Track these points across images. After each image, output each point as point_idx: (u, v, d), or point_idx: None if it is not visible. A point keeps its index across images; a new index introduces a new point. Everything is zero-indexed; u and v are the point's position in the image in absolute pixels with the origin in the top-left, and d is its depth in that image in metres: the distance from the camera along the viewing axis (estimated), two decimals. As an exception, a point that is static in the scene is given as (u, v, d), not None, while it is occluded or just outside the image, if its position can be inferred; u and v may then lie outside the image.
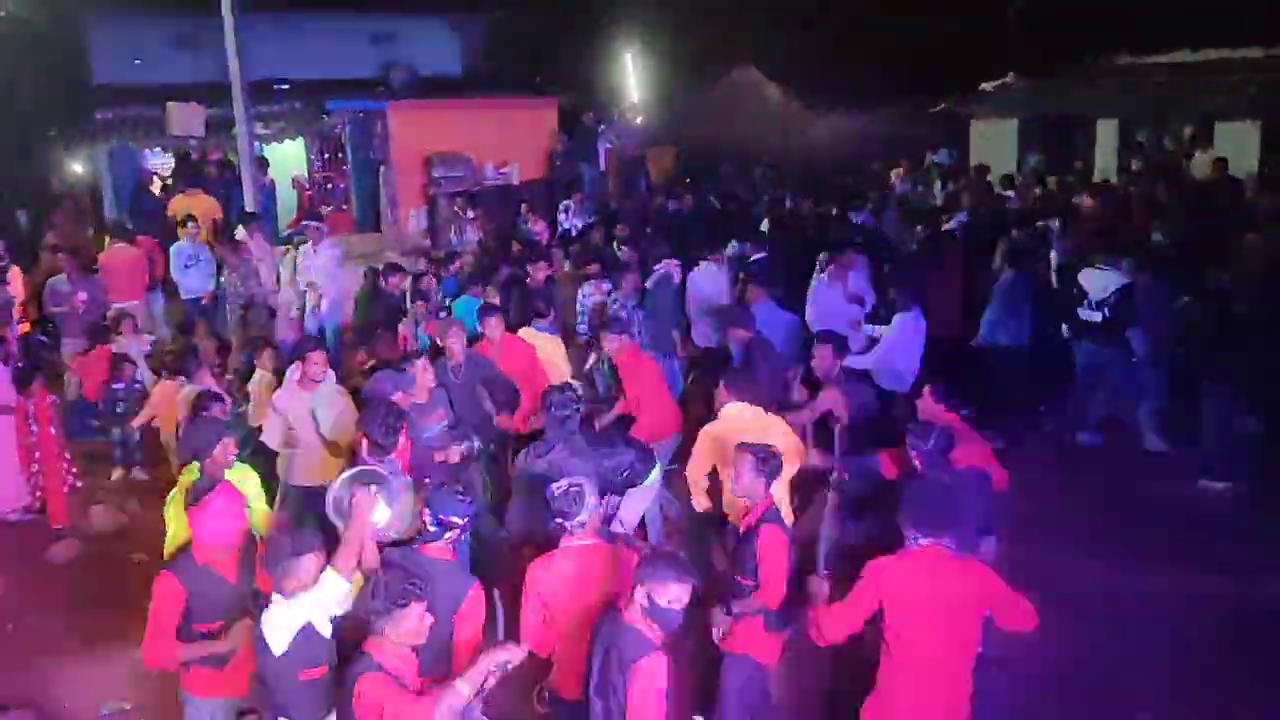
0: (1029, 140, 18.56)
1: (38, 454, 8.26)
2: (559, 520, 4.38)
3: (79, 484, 8.65)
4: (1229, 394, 8.03)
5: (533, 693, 5.25)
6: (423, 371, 6.45)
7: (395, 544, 4.79)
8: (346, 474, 4.78)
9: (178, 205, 13.50)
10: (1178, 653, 5.84)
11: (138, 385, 9.17)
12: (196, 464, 5.21)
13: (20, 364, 8.74)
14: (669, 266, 9.77)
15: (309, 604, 4.01)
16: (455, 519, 4.39)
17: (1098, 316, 8.72)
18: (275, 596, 4.03)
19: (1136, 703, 5.50)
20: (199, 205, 13.32)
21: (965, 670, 4.16)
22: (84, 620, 6.76)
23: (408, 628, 3.74)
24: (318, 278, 11.12)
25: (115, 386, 9.14)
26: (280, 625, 3.96)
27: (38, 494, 8.34)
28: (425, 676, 3.87)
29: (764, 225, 12.90)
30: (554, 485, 4.43)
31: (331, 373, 6.85)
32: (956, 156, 19.68)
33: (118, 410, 9.09)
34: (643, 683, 3.70)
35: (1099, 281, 8.74)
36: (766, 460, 4.74)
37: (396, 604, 3.69)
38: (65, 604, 7.06)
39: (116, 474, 9.18)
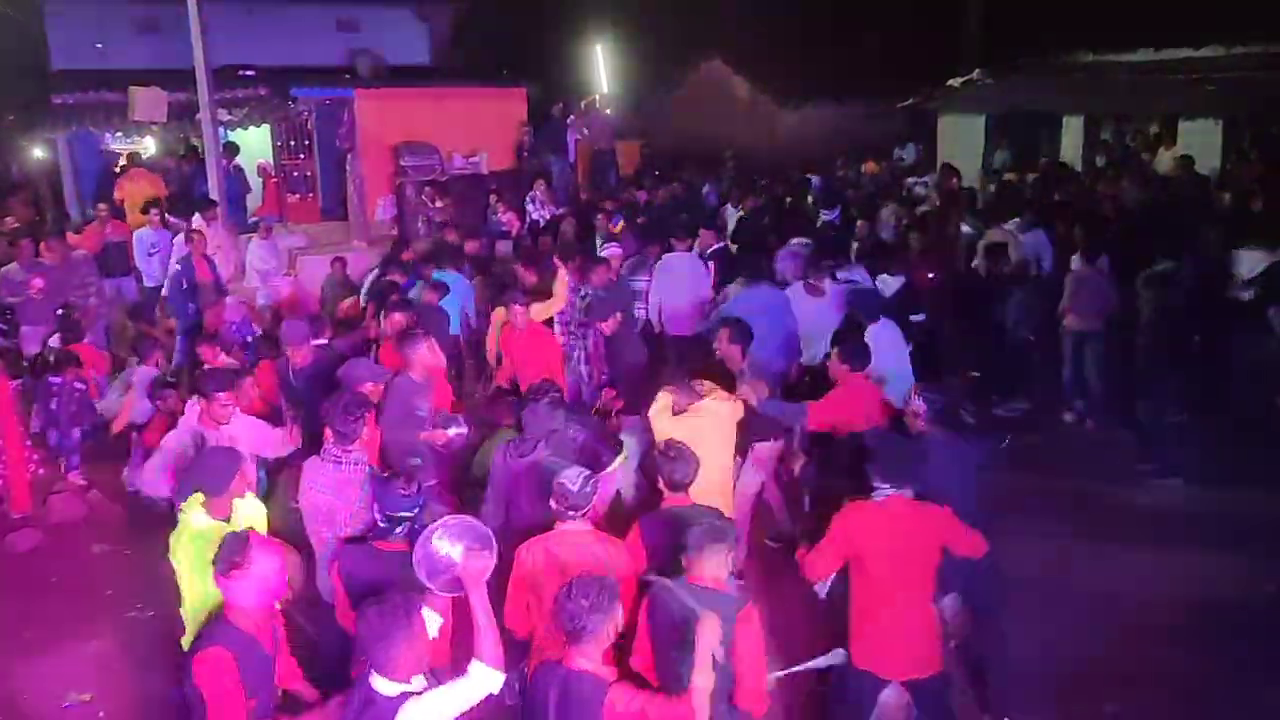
0: (997, 136, 18.71)
1: (-1, 442, 8.07)
2: (569, 511, 4.32)
3: (41, 471, 8.47)
4: (1179, 386, 8.03)
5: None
6: (426, 352, 6.36)
7: (349, 541, 4.75)
8: (437, 529, 3.98)
9: (125, 189, 13.34)
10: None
11: (77, 386, 8.66)
12: (199, 498, 4.52)
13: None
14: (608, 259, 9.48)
15: (455, 698, 3.48)
16: (403, 514, 4.37)
17: (1248, 295, 8.63)
18: (386, 684, 3.40)
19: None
20: (145, 188, 13.14)
21: (929, 600, 4.52)
22: (45, 610, 6.62)
23: (619, 623, 3.63)
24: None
25: (53, 381, 8.62)
26: None
27: (-2, 482, 8.14)
28: None
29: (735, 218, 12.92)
30: (566, 476, 4.37)
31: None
32: (923, 152, 19.83)
33: (51, 407, 8.58)
34: (748, 633, 3.86)
35: (1249, 261, 8.68)
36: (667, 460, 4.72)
37: (613, 604, 3.54)
38: (25, 593, 6.91)
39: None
